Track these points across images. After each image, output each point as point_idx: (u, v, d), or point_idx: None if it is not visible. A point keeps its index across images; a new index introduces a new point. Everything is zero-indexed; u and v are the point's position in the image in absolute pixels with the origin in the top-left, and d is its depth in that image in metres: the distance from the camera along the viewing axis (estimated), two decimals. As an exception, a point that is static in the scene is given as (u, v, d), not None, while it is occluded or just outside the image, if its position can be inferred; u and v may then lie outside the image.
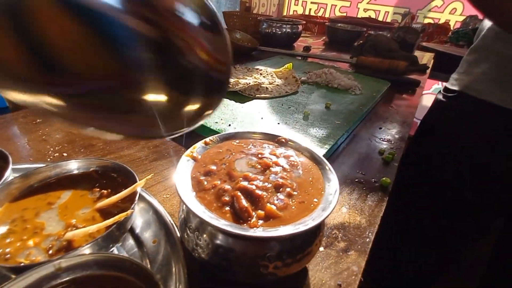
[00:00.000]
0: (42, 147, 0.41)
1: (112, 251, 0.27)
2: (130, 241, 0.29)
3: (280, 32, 1.25)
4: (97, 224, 0.24)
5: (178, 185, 0.23)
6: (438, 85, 2.03)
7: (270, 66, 0.84)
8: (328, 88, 0.71)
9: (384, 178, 0.40)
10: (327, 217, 0.21)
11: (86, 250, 0.22)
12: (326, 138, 0.46)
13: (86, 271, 0.20)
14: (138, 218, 0.30)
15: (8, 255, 0.22)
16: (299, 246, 0.22)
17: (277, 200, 0.23)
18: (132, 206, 0.24)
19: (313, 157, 0.29)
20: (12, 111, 0.51)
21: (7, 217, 0.25)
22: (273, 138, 0.32)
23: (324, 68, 0.78)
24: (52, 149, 0.41)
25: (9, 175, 0.28)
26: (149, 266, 0.27)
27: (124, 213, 0.23)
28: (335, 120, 0.53)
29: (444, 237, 0.74)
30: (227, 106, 0.55)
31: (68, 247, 0.23)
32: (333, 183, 0.25)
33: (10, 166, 0.29)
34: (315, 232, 0.24)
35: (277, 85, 0.67)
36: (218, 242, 0.22)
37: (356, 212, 0.35)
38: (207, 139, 0.30)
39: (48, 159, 0.39)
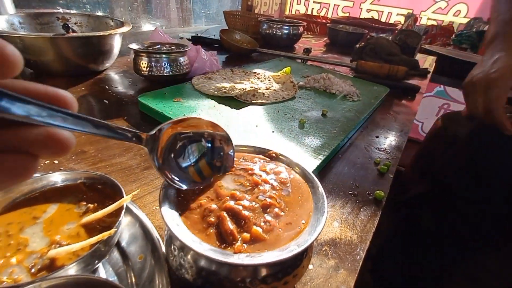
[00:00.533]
0: (33, 154, 0.41)
1: (97, 267, 0.27)
2: (116, 255, 0.29)
3: (280, 33, 1.24)
4: (80, 243, 0.23)
5: (162, 206, 0.22)
6: (440, 88, 2.02)
7: (269, 69, 0.84)
8: (326, 94, 0.70)
9: (378, 191, 0.40)
10: (312, 242, 0.21)
11: (71, 269, 0.22)
12: (320, 148, 0.46)
13: (65, 294, 0.19)
14: (125, 232, 0.30)
15: (-9, 273, 0.21)
16: (284, 269, 0.22)
17: (263, 222, 0.23)
18: (116, 224, 0.24)
19: (303, 174, 0.28)
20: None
21: (-9, 232, 0.24)
22: (263, 152, 0.31)
23: (323, 73, 0.77)
24: (43, 155, 0.41)
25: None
26: (134, 280, 0.27)
27: (107, 233, 0.23)
28: (331, 128, 0.52)
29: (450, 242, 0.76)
30: (222, 112, 0.54)
31: (51, 265, 0.23)
32: (321, 204, 0.24)
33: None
34: (301, 255, 0.23)
35: (274, 90, 0.66)
36: (201, 265, 0.22)
37: (348, 227, 0.34)
38: (197, 153, 0.29)
39: (38, 167, 0.38)
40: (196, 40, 1.14)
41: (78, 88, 0.63)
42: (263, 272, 0.21)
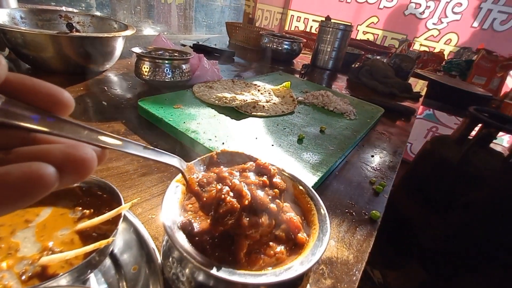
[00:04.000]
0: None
1: (89, 276, 0.26)
2: (108, 263, 0.28)
3: (281, 48, 1.26)
4: (75, 250, 0.22)
5: (164, 218, 0.22)
6: (430, 111, 2.09)
7: (269, 82, 0.85)
8: (324, 111, 0.71)
9: (373, 211, 0.40)
10: (315, 263, 0.21)
11: (63, 279, 0.21)
12: (319, 164, 0.46)
13: (57, 305, 0.19)
14: (119, 239, 0.29)
15: (-21, 279, 0.20)
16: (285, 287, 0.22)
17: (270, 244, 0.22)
18: (113, 233, 0.23)
19: (307, 192, 0.28)
20: None
21: (-18, 234, 0.23)
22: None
23: (322, 90, 0.78)
24: (37, 155, 0.39)
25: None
26: (126, 292, 0.26)
27: (105, 241, 0.22)
28: (329, 145, 0.53)
29: None
30: (222, 122, 0.54)
31: (42, 273, 0.22)
32: (324, 224, 0.24)
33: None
34: (302, 275, 0.23)
35: (274, 103, 0.67)
36: (200, 279, 0.21)
37: (345, 246, 0.35)
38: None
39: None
40: (197, 48, 1.15)
41: (76, 88, 0.62)
42: (264, 290, 0.21)
